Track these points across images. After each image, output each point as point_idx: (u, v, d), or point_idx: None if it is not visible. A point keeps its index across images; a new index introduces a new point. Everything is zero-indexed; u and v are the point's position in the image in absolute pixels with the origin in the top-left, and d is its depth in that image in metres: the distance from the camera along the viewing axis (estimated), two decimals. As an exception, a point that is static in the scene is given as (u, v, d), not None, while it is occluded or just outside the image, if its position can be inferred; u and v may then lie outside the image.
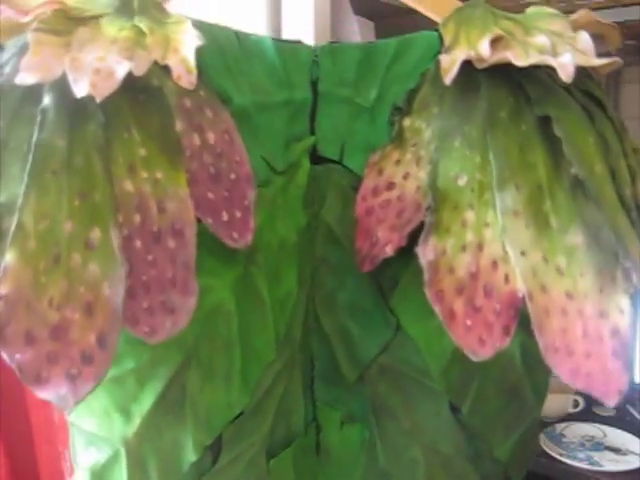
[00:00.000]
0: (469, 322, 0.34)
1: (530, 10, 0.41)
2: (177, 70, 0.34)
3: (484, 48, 0.37)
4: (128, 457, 0.39)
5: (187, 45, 0.35)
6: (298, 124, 0.42)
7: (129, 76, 0.32)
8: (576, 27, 0.40)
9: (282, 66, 0.42)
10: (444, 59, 0.38)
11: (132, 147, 0.33)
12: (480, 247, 0.35)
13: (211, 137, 0.36)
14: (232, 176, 0.36)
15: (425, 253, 0.35)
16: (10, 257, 0.30)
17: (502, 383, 0.41)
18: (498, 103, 0.38)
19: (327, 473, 0.44)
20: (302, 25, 0.72)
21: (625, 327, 0.33)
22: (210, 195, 0.35)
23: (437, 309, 0.34)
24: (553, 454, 1.21)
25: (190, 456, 0.38)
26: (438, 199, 0.36)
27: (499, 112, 0.37)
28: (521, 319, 0.34)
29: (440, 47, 0.40)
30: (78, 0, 0.35)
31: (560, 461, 1.20)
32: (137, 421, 0.38)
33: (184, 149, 0.34)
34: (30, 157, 0.31)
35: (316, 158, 0.42)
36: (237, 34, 0.41)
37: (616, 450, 1.25)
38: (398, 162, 0.39)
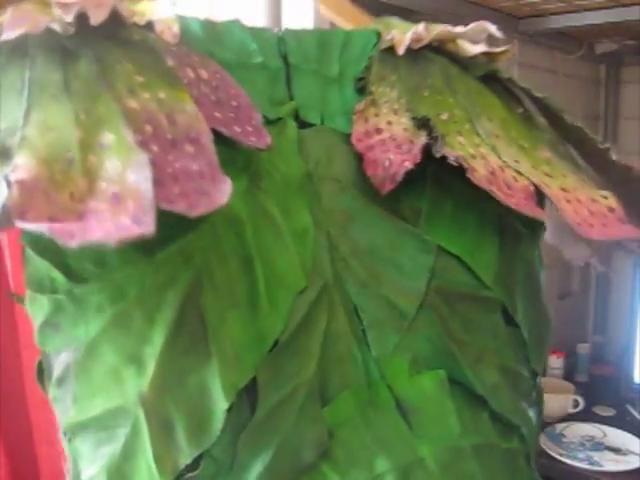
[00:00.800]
0: (509, 192, 0.37)
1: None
2: (159, 25, 0.36)
3: (421, 29, 0.44)
4: (148, 419, 0.34)
5: (164, 7, 0.37)
6: (277, 88, 0.43)
7: (109, 31, 0.34)
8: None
9: (252, 39, 0.43)
10: (394, 34, 0.45)
11: (128, 75, 0.34)
12: (483, 157, 0.39)
13: (204, 73, 0.37)
14: (234, 103, 0.37)
15: (449, 152, 0.37)
16: (21, 159, 0.29)
17: (529, 289, 0.43)
18: (445, 66, 0.45)
19: (421, 432, 0.37)
20: (302, 25, 0.72)
21: (615, 204, 0.39)
22: (217, 114, 0.35)
23: (492, 189, 0.36)
24: (553, 454, 1.21)
25: (221, 403, 0.33)
26: (430, 127, 0.39)
27: (450, 70, 0.44)
28: (532, 229, 0.41)
29: (377, 39, 0.46)
30: None
31: (560, 461, 1.20)
32: (151, 367, 0.34)
33: (181, 79, 0.35)
34: (26, 90, 0.32)
35: (300, 123, 0.42)
36: (206, 20, 0.43)
37: (616, 450, 1.25)
38: (377, 115, 0.42)
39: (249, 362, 0.34)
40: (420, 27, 0.45)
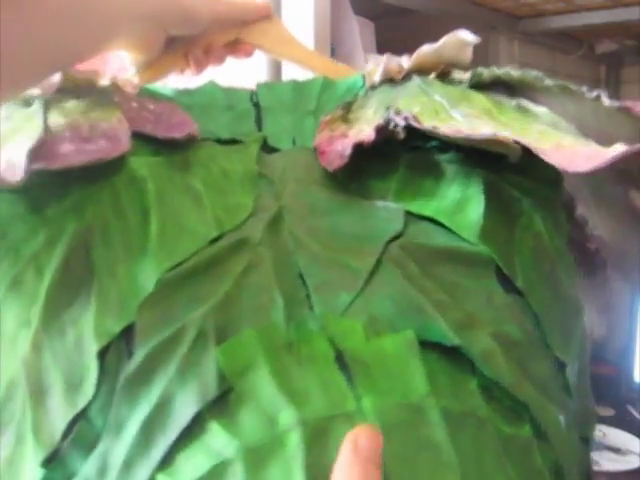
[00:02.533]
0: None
1: None
2: (122, 82, 0.45)
3: (404, 59, 0.46)
4: (29, 386, 0.32)
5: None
6: (244, 126, 0.46)
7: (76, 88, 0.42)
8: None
9: (223, 92, 0.48)
10: (369, 65, 0.46)
11: (71, 107, 0.40)
12: (470, 127, 0.37)
13: (150, 105, 0.42)
14: (173, 121, 0.41)
15: (419, 125, 0.37)
16: None
17: (538, 266, 0.37)
18: (428, 79, 0.44)
19: (367, 386, 0.29)
20: (302, 25, 0.72)
21: (623, 147, 0.31)
22: (148, 126, 0.40)
23: (474, 134, 0.36)
24: (553, 454, 1.21)
25: (92, 349, 0.31)
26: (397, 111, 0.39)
27: (432, 80, 0.44)
28: (535, 197, 0.38)
29: (363, 82, 0.48)
30: None
31: (560, 461, 1.20)
32: (35, 321, 0.32)
33: (120, 105, 0.41)
34: None
35: (269, 150, 0.45)
36: (182, 89, 0.49)
37: (616, 450, 1.25)
38: (350, 127, 0.43)
39: (130, 307, 0.31)
40: (394, 60, 0.46)
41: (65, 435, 0.30)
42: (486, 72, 0.44)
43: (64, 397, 0.31)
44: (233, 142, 0.43)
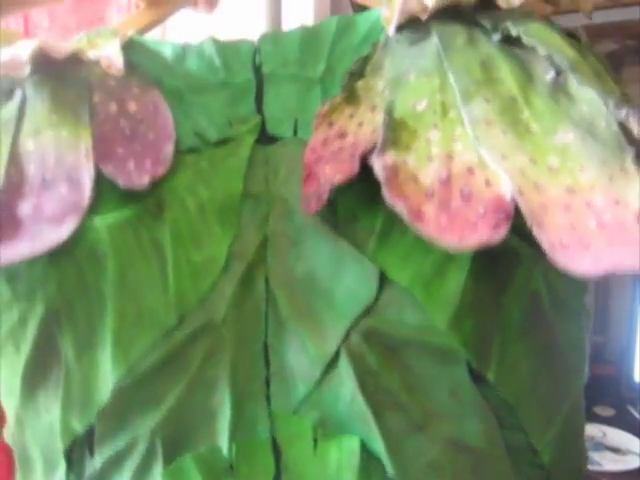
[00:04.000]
0: (444, 220, 0.29)
1: None
2: (105, 61, 0.40)
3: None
4: (16, 453, 0.35)
5: (115, 41, 0.40)
6: (241, 105, 0.40)
7: (57, 68, 0.39)
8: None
9: (220, 56, 0.41)
10: (385, 11, 0.38)
11: (44, 114, 0.37)
12: (450, 157, 0.31)
13: (132, 106, 0.38)
14: (151, 136, 0.37)
15: (380, 161, 0.31)
16: None
17: (529, 334, 0.33)
18: (452, 34, 0.36)
19: None
20: (302, 22, 0.72)
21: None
22: (119, 150, 0.36)
23: (400, 208, 0.29)
24: (553, 454, 1.21)
25: (58, 444, 0.33)
26: (396, 126, 0.33)
27: (454, 41, 0.36)
28: (539, 245, 0.28)
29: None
30: None
31: (560, 461, 1.20)
32: (17, 397, 0.34)
33: (98, 114, 0.37)
34: None
35: (267, 139, 0.39)
36: (183, 45, 0.42)
37: (616, 450, 1.25)
38: (351, 115, 0.36)
39: (91, 408, 0.32)
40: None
41: None
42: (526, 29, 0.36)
43: (44, 474, 0.34)
44: (225, 140, 0.39)
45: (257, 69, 0.41)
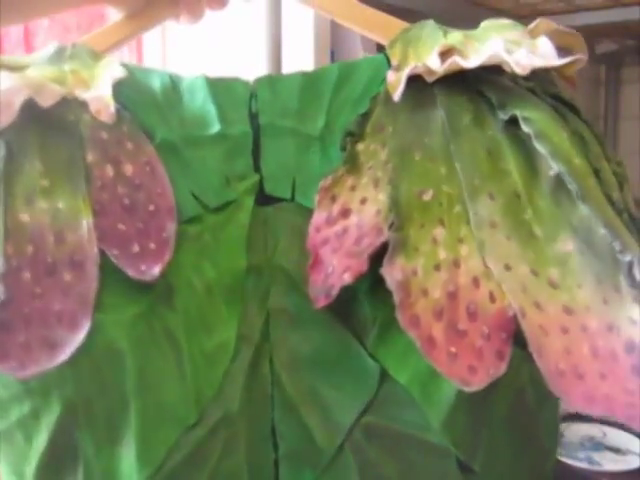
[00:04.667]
0: (453, 349, 0.30)
1: (485, 23, 0.40)
2: (95, 105, 0.35)
3: (433, 59, 0.35)
4: None
5: (106, 80, 0.36)
6: (239, 161, 0.39)
7: (42, 110, 0.34)
8: (534, 36, 0.37)
9: (215, 101, 0.39)
10: (390, 75, 0.36)
11: (33, 178, 0.33)
12: (456, 264, 0.31)
13: (129, 169, 0.35)
14: (151, 208, 0.35)
15: (392, 274, 0.31)
16: None
17: (513, 425, 0.35)
18: (458, 111, 0.35)
19: None
20: (302, 24, 0.72)
21: None
22: (121, 226, 0.34)
23: (413, 335, 0.30)
24: (553, 454, 1.21)
25: None
26: (402, 217, 0.33)
27: (461, 118, 0.35)
28: (526, 343, 0.30)
29: (389, 67, 0.38)
30: (16, 59, 0.38)
31: (560, 461, 1.20)
32: None
33: (94, 180, 0.34)
34: None
35: (264, 198, 0.38)
36: (171, 77, 0.40)
37: (616, 450, 1.25)
38: (353, 188, 0.36)
39: None
40: (433, 57, 0.35)
41: None
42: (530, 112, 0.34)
43: None
44: (224, 205, 0.37)
45: (253, 116, 0.40)
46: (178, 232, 0.35)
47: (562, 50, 0.36)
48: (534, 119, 0.33)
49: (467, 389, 0.29)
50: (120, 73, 0.36)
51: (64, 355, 0.30)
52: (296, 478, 0.34)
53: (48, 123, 0.35)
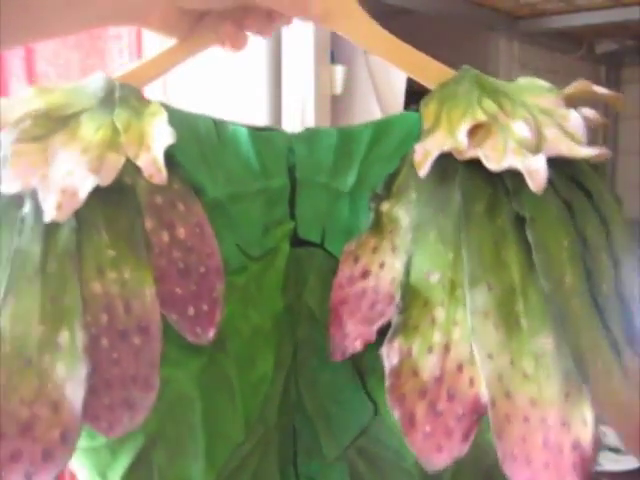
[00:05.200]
0: (428, 428, 0.34)
1: (522, 81, 0.40)
2: (148, 170, 0.37)
3: (461, 139, 0.36)
4: None
5: (158, 143, 0.37)
6: (277, 209, 0.42)
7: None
8: (570, 101, 0.38)
9: (257, 155, 0.42)
10: (418, 150, 0.37)
11: (101, 249, 0.36)
12: (447, 348, 0.35)
13: (181, 232, 0.38)
14: (202, 269, 0.38)
15: (389, 356, 0.36)
16: None
17: (478, 467, 0.39)
18: (474, 195, 0.37)
19: None
20: (302, 27, 0.72)
21: (587, 440, 0.32)
22: (178, 290, 0.37)
23: (397, 414, 0.35)
24: (553, 454, 1.21)
25: None
26: (409, 296, 0.36)
27: (475, 205, 0.37)
28: None
29: (420, 121, 0.39)
30: (63, 94, 0.39)
31: (560, 461, 1.20)
32: None
33: (153, 247, 0.37)
34: (9, 264, 0.34)
35: (297, 241, 0.43)
36: (215, 123, 0.42)
37: (616, 450, 1.25)
38: (375, 249, 0.39)
39: None
40: (461, 135, 0.37)
41: None
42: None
43: None
44: (265, 253, 0.42)
45: (290, 169, 0.43)
46: (226, 283, 0.38)
47: (597, 106, 0.37)
48: (538, 223, 0.35)
49: (429, 468, 0.34)
50: (172, 137, 0.37)
51: (143, 415, 0.35)
52: (309, 465, 0.43)
53: (109, 189, 0.36)
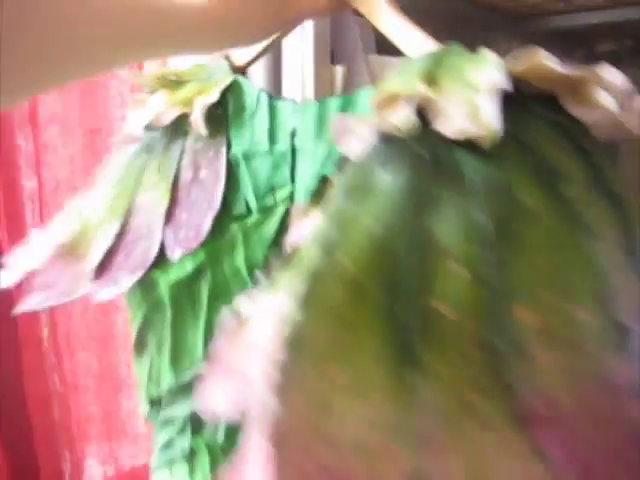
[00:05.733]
0: None
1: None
2: (194, 123, 0.51)
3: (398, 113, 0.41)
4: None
5: (202, 104, 0.50)
6: (280, 174, 0.51)
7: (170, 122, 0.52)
8: (519, 73, 0.41)
9: (269, 120, 0.52)
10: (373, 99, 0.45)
11: (152, 172, 0.50)
12: None
13: (203, 173, 0.51)
14: (204, 206, 0.50)
15: None
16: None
17: None
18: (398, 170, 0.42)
19: None
20: (302, 26, 0.72)
21: None
22: (184, 215, 0.50)
23: None
24: (553, 454, 1.21)
25: (144, 405, 0.55)
26: None
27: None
28: None
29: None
30: (194, 68, 0.55)
31: (560, 461, 1.20)
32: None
33: (179, 179, 0.51)
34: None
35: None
36: (259, 96, 0.53)
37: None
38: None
39: (160, 384, 0.55)
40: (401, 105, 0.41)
41: None
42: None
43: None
44: (264, 209, 0.51)
45: (292, 134, 0.52)
46: (225, 225, 0.50)
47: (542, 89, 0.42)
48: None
49: None
50: (213, 99, 0.51)
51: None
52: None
53: (172, 131, 0.52)
